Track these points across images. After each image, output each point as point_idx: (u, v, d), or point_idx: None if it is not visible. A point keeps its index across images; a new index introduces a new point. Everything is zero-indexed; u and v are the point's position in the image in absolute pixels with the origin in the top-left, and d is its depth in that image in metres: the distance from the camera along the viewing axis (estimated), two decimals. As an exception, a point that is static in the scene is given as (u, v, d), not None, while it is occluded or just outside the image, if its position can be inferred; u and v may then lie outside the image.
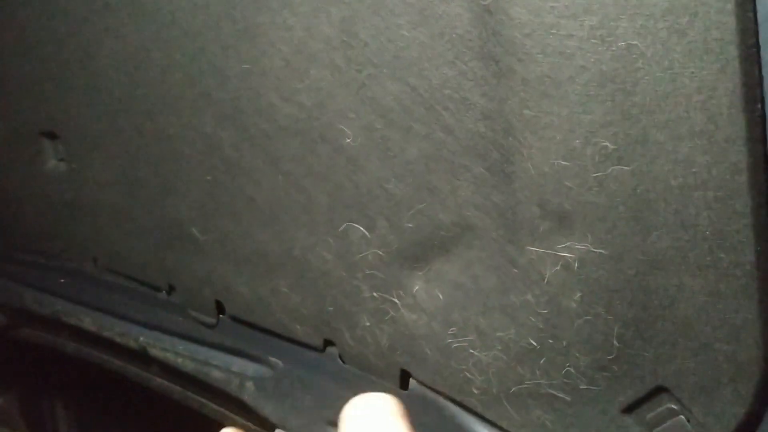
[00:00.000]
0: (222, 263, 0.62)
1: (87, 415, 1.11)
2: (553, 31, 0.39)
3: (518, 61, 0.41)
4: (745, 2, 0.35)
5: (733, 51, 0.36)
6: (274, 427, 0.59)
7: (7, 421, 1.07)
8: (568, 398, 0.45)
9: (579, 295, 0.42)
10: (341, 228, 0.52)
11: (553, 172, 0.41)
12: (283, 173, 0.54)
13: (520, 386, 0.46)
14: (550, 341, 0.44)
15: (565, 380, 0.45)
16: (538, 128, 0.41)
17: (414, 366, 0.52)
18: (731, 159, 0.37)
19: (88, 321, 0.77)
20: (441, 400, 0.52)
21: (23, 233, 0.82)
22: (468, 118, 0.44)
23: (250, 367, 0.63)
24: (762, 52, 0.36)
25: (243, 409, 0.62)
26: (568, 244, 0.42)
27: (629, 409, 0.44)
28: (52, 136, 0.74)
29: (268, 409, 0.60)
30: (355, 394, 0.57)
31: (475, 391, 0.48)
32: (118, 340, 0.75)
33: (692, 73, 0.37)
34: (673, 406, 0.42)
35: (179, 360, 0.69)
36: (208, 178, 0.59)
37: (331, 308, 0.55)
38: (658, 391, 0.42)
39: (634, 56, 0.38)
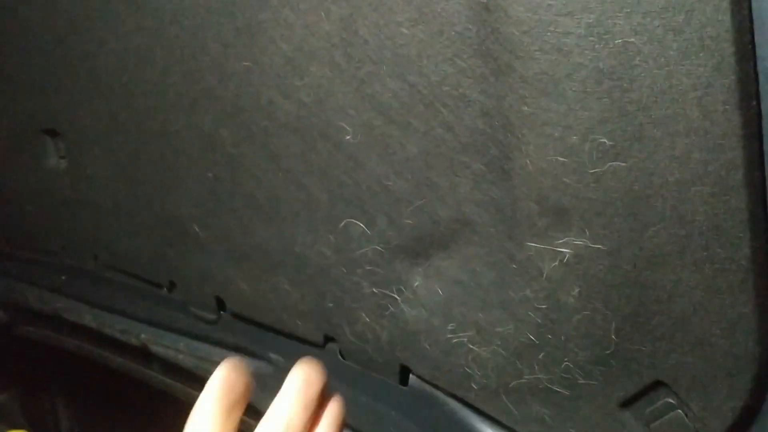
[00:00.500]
0: (222, 260, 0.62)
1: (88, 412, 1.12)
2: (550, 29, 0.40)
3: (516, 58, 0.41)
4: (741, 0, 0.36)
5: (728, 48, 0.36)
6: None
7: (8, 418, 1.07)
8: (566, 393, 0.45)
9: (577, 290, 0.43)
10: (341, 224, 0.52)
11: (551, 168, 0.42)
12: (283, 170, 0.54)
13: (519, 381, 0.47)
14: (549, 336, 0.45)
15: (563, 375, 0.45)
16: (536, 125, 0.41)
17: (414, 361, 0.52)
18: (727, 155, 0.37)
19: (89, 318, 0.78)
20: (441, 395, 0.52)
21: (24, 231, 0.82)
22: (467, 115, 0.44)
23: (250, 364, 0.63)
24: (757, 50, 0.36)
25: (244, 405, 0.63)
26: (566, 239, 0.42)
27: (627, 404, 0.44)
28: (53, 133, 0.74)
29: (268, 405, 0.60)
30: (356, 390, 0.57)
31: (475, 387, 0.49)
32: (119, 337, 0.75)
33: (688, 70, 0.37)
34: (671, 400, 0.43)
35: (180, 357, 0.70)
36: (209, 175, 0.60)
37: (331, 304, 0.55)
38: (656, 385, 0.43)
39: (631, 53, 0.38)
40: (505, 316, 0.46)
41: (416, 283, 0.50)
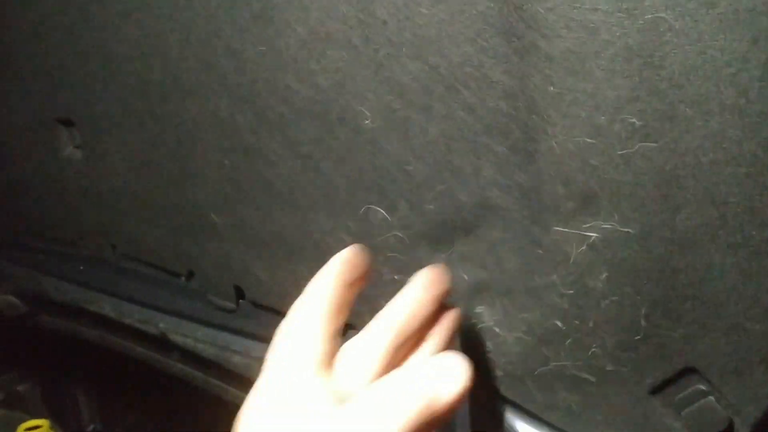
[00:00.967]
0: (240, 248, 0.61)
1: (109, 401, 1.12)
2: (577, 5, 0.38)
3: (541, 36, 0.40)
4: (779, -30, 0.34)
5: (764, 21, 0.35)
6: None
7: (30, 408, 1.08)
8: (593, 380, 0.44)
9: (605, 275, 0.42)
10: (361, 211, 0.51)
11: (577, 150, 0.40)
12: (301, 156, 0.53)
13: (545, 368, 0.46)
14: (576, 322, 0.44)
15: (591, 361, 0.44)
16: (563, 105, 0.40)
17: (436, 349, 0.51)
18: (763, 134, 0.36)
19: (108, 308, 0.78)
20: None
21: (41, 221, 0.82)
22: (489, 96, 0.43)
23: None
24: (796, 22, 0.35)
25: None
26: (594, 223, 0.41)
27: (657, 391, 0.43)
28: (68, 123, 0.74)
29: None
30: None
31: (499, 373, 0.48)
32: (138, 326, 0.75)
33: (722, 45, 0.36)
34: (702, 387, 0.42)
35: (199, 346, 0.69)
36: (226, 162, 0.59)
37: (351, 292, 0.54)
38: (687, 372, 0.42)
39: (662, 29, 0.37)
40: (530, 301, 0.45)
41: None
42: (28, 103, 0.76)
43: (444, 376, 0.37)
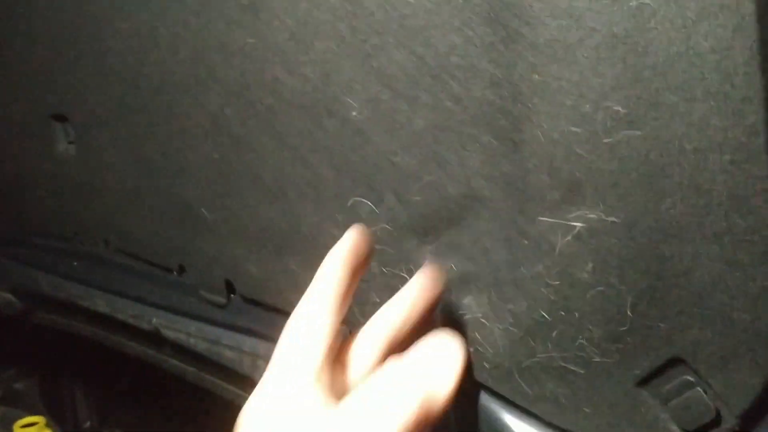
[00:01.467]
0: (231, 243, 0.61)
1: (105, 397, 1.12)
2: (561, -7, 0.38)
3: (526, 24, 0.40)
4: (762, -46, 0.34)
5: (749, 7, 0.34)
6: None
7: (27, 405, 1.08)
8: (581, 371, 0.44)
9: (591, 265, 0.41)
10: (349, 203, 0.51)
11: (563, 138, 0.40)
12: (289, 148, 0.53)
13: (533, 360, 0.45)
14: (562, 313, 0.43)
15: (578, 353, 0.44)
16: (548, 93, 0.40)
17: (425, 341, 0.51)
18: (748, 120, 0.36)
19: (102, 304, 0.78)
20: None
21: (36, 217, 0.82)
22: (476, 85, 0.43)
23: (261, 346, 0.63)
24: (780, 8, 0.35)
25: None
26: (580, 213, 0.41)
27: (644, 382, 0.43)
28: (62, 119, 0.74)
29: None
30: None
31: (487, 366, 0.48)
32: (131, 322, 0.75)
33: (707, 31, 0.35)
34: (689, 377, 0.41)
35: (191, 340, 0.69)
36: (215, 156, 0.59)
37: (340, 285, 0.54)
38: (674, 362, 0.41)
39: (646, 16, 0.36)
40: (517, 293, 0.45)
41: (426, 262, 0.49)
42: (21, 100, 0.76)
43: (440, 357, 0.41)
